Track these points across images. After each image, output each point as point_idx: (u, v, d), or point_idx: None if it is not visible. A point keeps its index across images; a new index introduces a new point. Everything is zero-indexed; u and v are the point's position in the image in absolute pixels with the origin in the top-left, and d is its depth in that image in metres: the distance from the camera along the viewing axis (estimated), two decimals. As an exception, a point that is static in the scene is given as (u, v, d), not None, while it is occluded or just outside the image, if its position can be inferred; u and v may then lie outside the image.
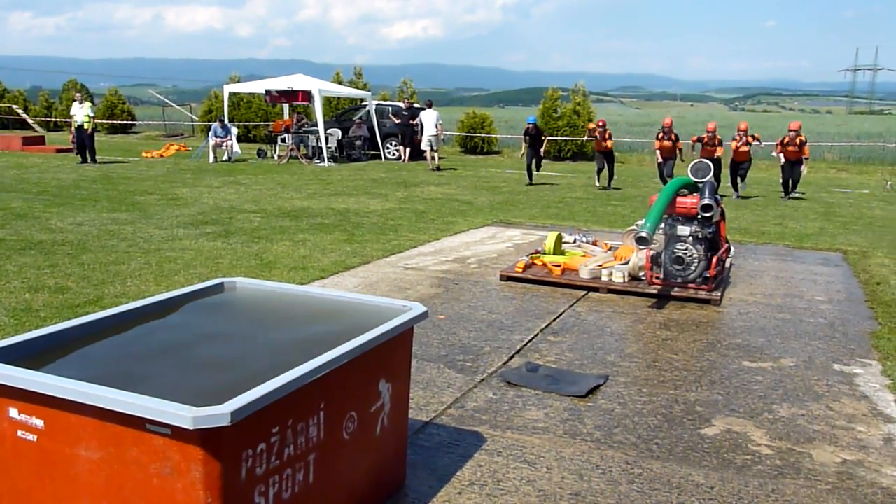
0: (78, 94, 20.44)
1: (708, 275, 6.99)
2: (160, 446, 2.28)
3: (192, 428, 2.17)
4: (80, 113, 18.82)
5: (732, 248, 8.29)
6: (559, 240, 8.42)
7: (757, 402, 4.63)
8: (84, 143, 19.06)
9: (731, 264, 8.16)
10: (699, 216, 6.95)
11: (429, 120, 20.29)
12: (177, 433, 2.23)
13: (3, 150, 23.36)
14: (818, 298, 7.23)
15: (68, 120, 33.00)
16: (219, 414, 2.19)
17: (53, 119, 34.34)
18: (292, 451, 2.59)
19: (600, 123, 17.16)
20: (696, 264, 6.96)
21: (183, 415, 2.18)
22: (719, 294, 7.01)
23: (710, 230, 7.09)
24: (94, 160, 19.05)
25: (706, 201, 6.89)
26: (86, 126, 18.85)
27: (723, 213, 7.58)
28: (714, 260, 7.05)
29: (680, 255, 7.03)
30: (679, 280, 7.04)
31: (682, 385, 4.88)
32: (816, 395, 4.77)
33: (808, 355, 5.54)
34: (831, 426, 4.29)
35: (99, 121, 19.24)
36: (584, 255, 8.29)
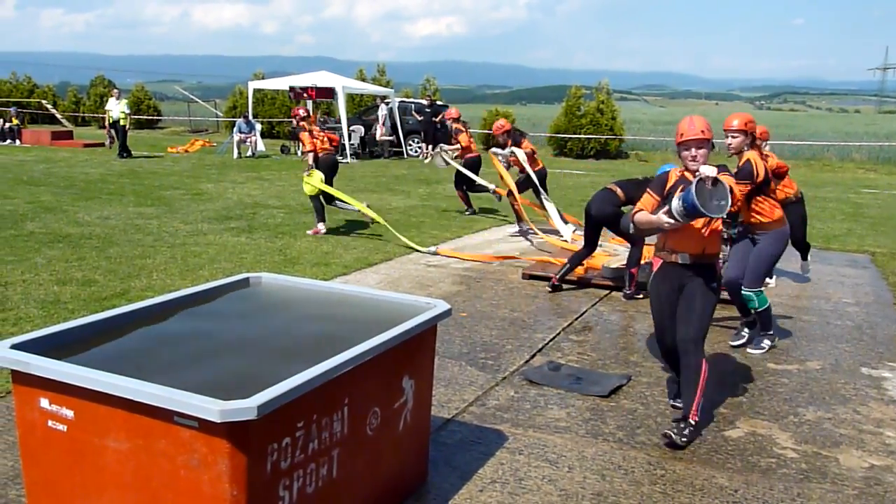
0: (116, 90, 20.71)
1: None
2: (187, 438, 2.30)
3: (219, 421, 2.19)
4: (117, 109, 19.10)
5: None
6: None
7: (782, 404, 4.59)
8: (120, 137, 19.36)
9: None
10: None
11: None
12: (204, 426, 2.25)
13: (33, 145, 23.69)
14: (845, 300, 7.14)
15: (95, 115, 33.44)
16: (246, 408, 2.21)
17: (81, 114, 34.75)
18: (316, 446, 2.60)
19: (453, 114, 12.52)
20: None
21: (210, 408, 2.21)
22: (744, 295, 6.93)
23: (734, 231, 7.00)
24: (128, 154, 19.31)
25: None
26: (121, 122, 19.12)
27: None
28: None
29: None
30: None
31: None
32: (843, 398, 4.72)
33: (835, 358, 5.47)
34: (858, 430, 4.24)
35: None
36: (607, 255, 8.25)
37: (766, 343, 5.53)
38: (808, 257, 8.14)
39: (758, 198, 5.24)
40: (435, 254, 8.51)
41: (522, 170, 10.03)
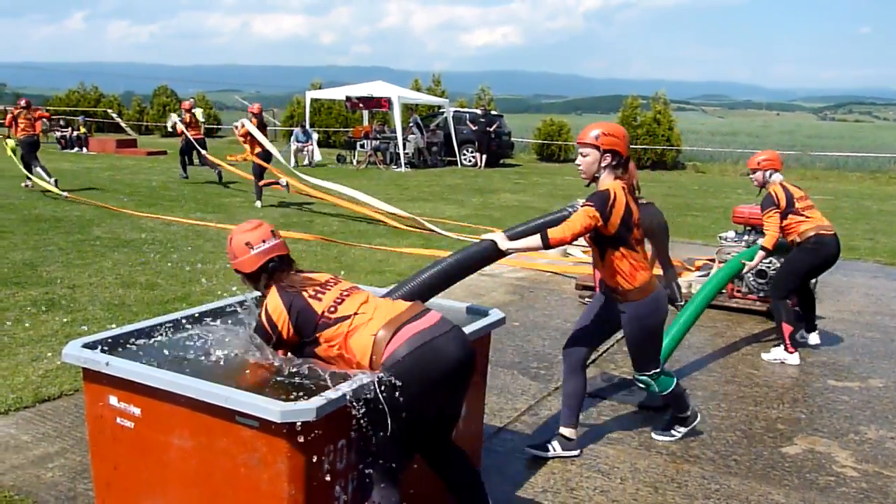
0: (191, 100, 21.36)
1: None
2: (248, 438, 2.38)
3: (279, 421, 2.26)
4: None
5: None
6: None
7: (842, 422, 4.48)
8: (191, 146, 19.92)
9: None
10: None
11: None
12: (264, 426, 2.32)
13: (98, 153, 24.51)
14: (910, 317, 6.93)
15: (158, 124, 34.42)
16: (305, 409, 2.28)
17: (145, 123, 35.83)
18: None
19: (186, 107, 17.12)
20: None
21: (271, 409, 2.28)
22: (804, 310, 6.78)
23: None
24: (202, 162, 19.87)
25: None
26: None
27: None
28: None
29: (763, 268, 6.83)
30: (761, 294, 6.83)
31: (763, 402, 4.76)
32: (907, 417, 4.58)
33: (899, 376, 5.32)
34: (923, 450, 4.11)
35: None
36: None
37: (679, 430, 4.12)
38: (816, 328, 6.08)
39: (615, 251, 3.65)
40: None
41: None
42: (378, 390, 2.47)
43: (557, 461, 3.82)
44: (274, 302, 2.69)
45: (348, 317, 2.63)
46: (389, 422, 2.48)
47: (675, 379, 4.01)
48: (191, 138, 16.14)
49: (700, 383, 5.05)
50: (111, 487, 2.82)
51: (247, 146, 13.02)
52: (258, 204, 12.92)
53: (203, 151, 16.27)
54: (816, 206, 5.91)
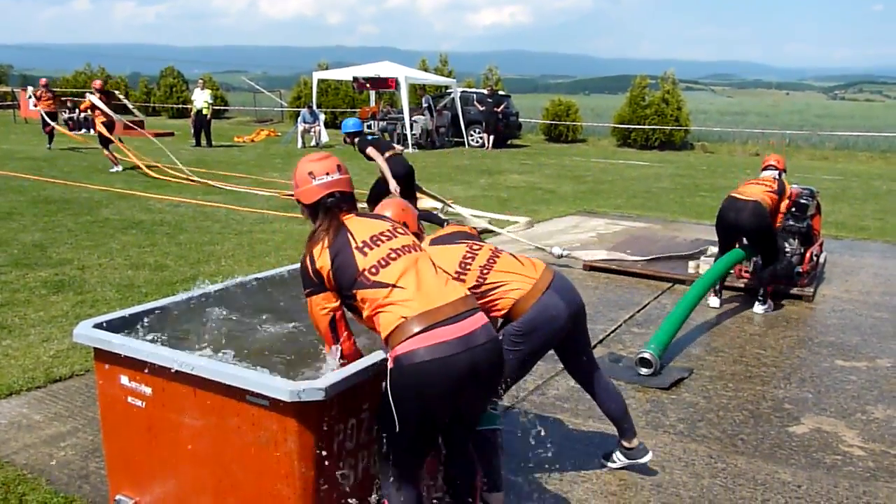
0: (200, 81, 21.37)
1: (801, 270, 6.76)
2: (258, 417, 2.40)
3: (288, 401, 2.28)
4: (200, 98, 19.69)
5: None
6: None
7: (850, 402, 4.48)
8: (200, 127, 19.95)
9: (825, 259, 7.87)
10: (792, 210, 6.68)
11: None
12: (274, 405, 2.34)
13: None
14: (920, 298, 6.90)
15: (165, 105, 34.42)
16: (315, 388, 2.30)
17: (152, 104, 35.80)
18: (380, 428, 2.67)
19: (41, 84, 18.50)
20: (787, 259, 6.74)
21: (281, 388, 2.30)
22: (812, 290, 6.78)
23: (804, 224, 6.84)
24: (209, 144, 19.92)
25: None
26: (204, 111, 19.72)
27: (818, 207, 7.31)
28: (808, 255, 6.81)
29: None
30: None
31: (770, 381, 4.77)
32: (915, 397, 4.58)
33: (907, 356, 5.32)
34: (930, 430, 4.12)
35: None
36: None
37: (620, 459, 3.56)
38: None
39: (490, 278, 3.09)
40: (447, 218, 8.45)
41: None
42: (388, 384, 2.36)
43: (564, 440, 3.85)
44: (320, 249, 2.52)
45: (387, 286, 2.40)
46: (396, 420, 2.34)
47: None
48: (42, 111, 17.70)
49: (708, 363, 5.05)
50: (123, 466, 2.85)
51: (97, 119, 14.54)
52: (117, 169, 14.21)
53: (52, 123, 17.65)
54: (756, 182, 6.40)
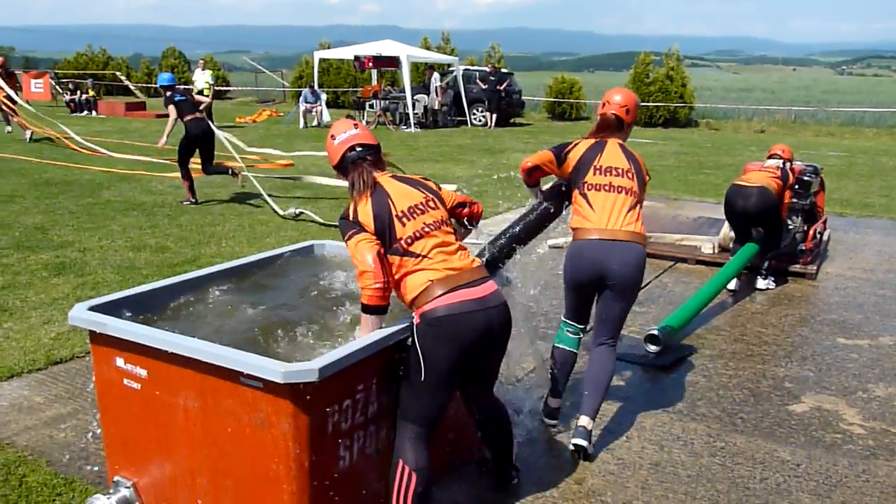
0: (201, 61, 21.23)
1: (804, 247, 6.73)
2: (252, 399, 2.40)
3: (282, 382, 2.28)
4: (201, 79, 19.56)
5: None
6: None
7: (851, 380, 4.47)
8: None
9: (828, 237, 7.83)
10: (795, 187, 6.63)
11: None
12: (268, 387, 2.34)
13: (108, 116, 24.48)
14: (923, 275, 6.87)
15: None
16: (308, 370, 2.29)
17: (153, 85, 35.68)
18: (376, 409, 2.68)
19: None
20: (790, 236, 6.70)
21: (274, 369, 2.29)
22: (815, 268, 6.74)
23: (807, 201, 6.79)
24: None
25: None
26: (205, 92, 19.60)
27: (822, 184, 7.26)
28: (811, 232, 6.77)
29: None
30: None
31: (771, 360, 4.75)
32: (916, 375, 4.57)
33: (910, 334, 5.29)
34: (931, 408, 4.11)
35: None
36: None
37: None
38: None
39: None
40: (297, 217, 8.52)
41: None
42: (415, 338, 2.60)
43: (563, 419, 3.84)
44: (365, 206, 2.69)
45: (418, 256, 2.65)
46: (423, 370, 2.58)
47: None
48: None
49: (708, 342, 5.04)
50: (120, 448, 2.86)
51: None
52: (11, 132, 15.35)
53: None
54: (759, 170, 6.43)
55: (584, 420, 3.43)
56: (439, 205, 2.83)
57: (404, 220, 2.68)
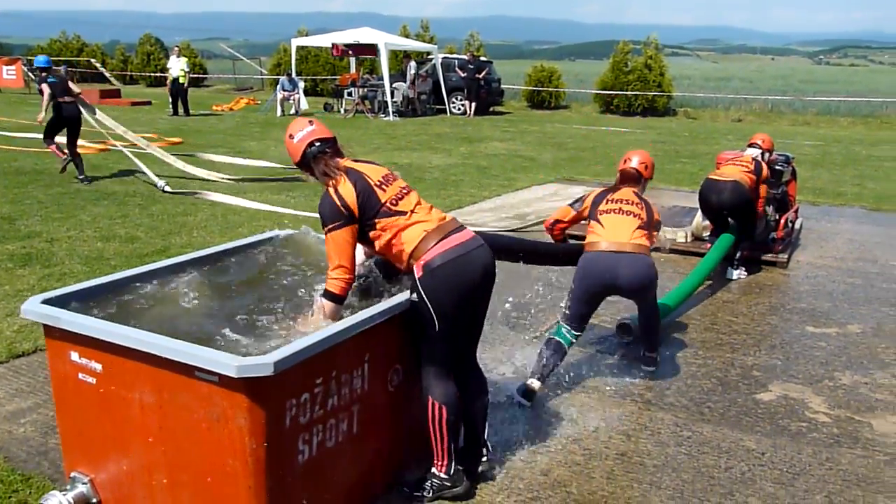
0: (176, 48, 20.98)
1: (775, 236, 6.76)
2: (208, 393, 2.36)
3: (236, 377, 2.24)
4: (177, 66, 19.32)
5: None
6: None
7: (818, 368, 4.50)
8: (177, 96, 19.57)
9: (800, 226, 7.88)
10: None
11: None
12: (224, 381, 2.30)
13: (82, 103, 24.12)
14: (893, 263, 6.93)
15: (143, 73, 33.87)
16: (263, 364, 2.25)
17: (129, 73, 35.21)
18: (336, 402, 2.64)
19: None
20: (762, 225, 6.72)
21: (228, 363, 2.25)
22: (786, 256, 6.78)
23: (779, 190, 6.83)
24: (187, 113, 19.59)
25: None
26: (181, 79, 19.35)
27: (794, 173, 7.30)
28: (782, 221, 6.81)
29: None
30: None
31: (740, 349, 4.78)
32: (882, 363, 4.61)
33: (877, 322, 5.34)
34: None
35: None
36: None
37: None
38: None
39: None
40: (162, 190, 9.19)
41: None
42: (421, 290, 2.77)
43: (532, 410, 3.84)
44: (344, 184, 2.85)
45: (406, 212, 2.87)
46: (436, 320, 2.78)
47: None
48: None
49: (679, 331, 5.05)
50: (77, 443, 2.81)
51: None
52: None
53: None
54: (732, 163, 6.36)
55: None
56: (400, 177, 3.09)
57: (383, 186, 2.90)
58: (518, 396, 3.88)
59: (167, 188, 9.24)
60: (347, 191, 2.83)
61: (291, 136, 3.00)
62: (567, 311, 4.09)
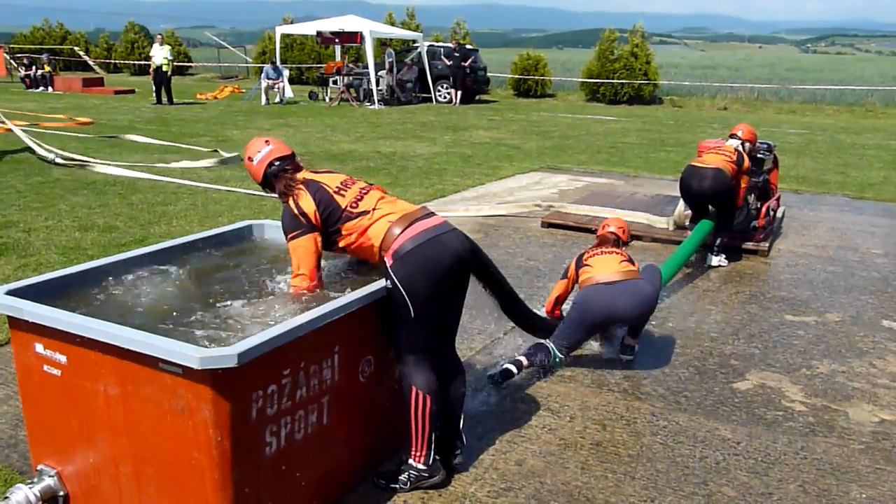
0: (159, 36, 20.79)
1: (756, 224, 6.77)
2: (172, 385, 2.32)
3: (199, 368, 2.20)
4: (160, 55, 19.13)
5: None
6: None
7: (796, 357, 4.51)
8: (161, 84, 19.38)
9: (782, 214, 7.90)
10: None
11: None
12: (188, 373, 2.26)
13: (65, 92, 23.89)
14: (874, 251, 6.95)
15: (127, 62, 33.57)
16: (226, 355, 2.22)
17: (113, 61, 34.88)
18: (305, 393, 2.61)
19: None
20: (744, 213, 6.73)
21: (191, 355, 2.21)
22: (767, 245, 6.79)
23: (760, 178, 6.83)
24: (170, 101, 19.42)
25: None
26: (164, 68, 19.17)
27: (776, 161, 7.30)
28: (764, 209, 6.81)
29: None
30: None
31: (719, 338, 4.78)
32: (860, 351, 4.62)
33: (857, 310, 5.35)
34: (872, 384, 4.15)
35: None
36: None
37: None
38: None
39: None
40: (54, 162, 9.94)
41: None
42: (393, 277, 2.76)
43: (508, 400, 3.82)
44: (303, 196, 2.89)
45: (369, 211, 2.88)
46: (410, 306, 2.76)
47: None
48: None
49: (658, 320, 5.04)
50: (43, 436, 2.77)
51: None
52: None
53: None
54: (715, 152, 6.31)
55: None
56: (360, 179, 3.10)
57: (342, 192, 2.93)
58: (498, 377, 3.96)
59: (58, 160, 9.89)
60: (306, 201, 2.88)
61: (251, 159, 3.07)
62: (562, 341, 4.10)
